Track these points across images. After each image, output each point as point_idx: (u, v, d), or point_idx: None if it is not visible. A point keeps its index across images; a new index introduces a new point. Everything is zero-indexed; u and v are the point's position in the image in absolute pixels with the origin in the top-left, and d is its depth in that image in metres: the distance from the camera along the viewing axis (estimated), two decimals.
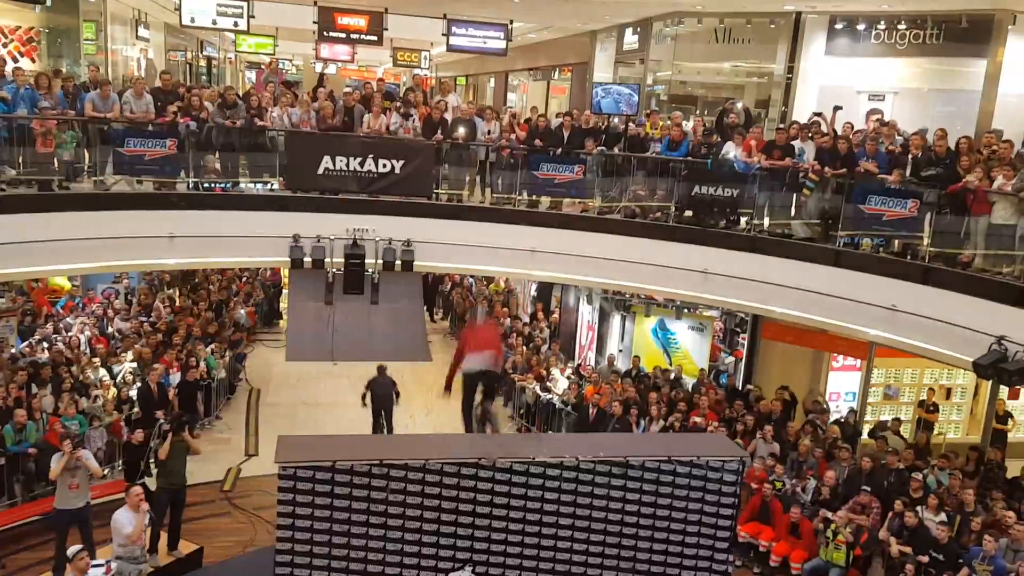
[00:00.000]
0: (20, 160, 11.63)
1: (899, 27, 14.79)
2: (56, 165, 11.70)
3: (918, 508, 9.98)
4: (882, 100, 15.08)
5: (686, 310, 15.84)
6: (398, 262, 12.61)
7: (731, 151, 12.26)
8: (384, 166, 12.78)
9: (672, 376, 14.91)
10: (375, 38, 16.90)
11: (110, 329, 15.69)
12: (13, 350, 13.96)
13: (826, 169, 11.58)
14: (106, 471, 11.18)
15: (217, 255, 12.72)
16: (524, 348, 16.56)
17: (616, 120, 15.58)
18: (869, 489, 10.53)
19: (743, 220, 12.41)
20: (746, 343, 15.20)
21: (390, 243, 12.57)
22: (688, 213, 12.63)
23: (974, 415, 14.40)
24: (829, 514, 10.34)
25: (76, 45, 18.77)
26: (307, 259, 12.40)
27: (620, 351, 16.62)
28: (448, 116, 13.49)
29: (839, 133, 12.27)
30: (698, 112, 18.09)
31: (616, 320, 16.77)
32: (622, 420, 12.72)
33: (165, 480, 9.86)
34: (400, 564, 7.25)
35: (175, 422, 10.05)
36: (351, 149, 12.75)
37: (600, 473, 7.41)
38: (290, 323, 19.64)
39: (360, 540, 7.14)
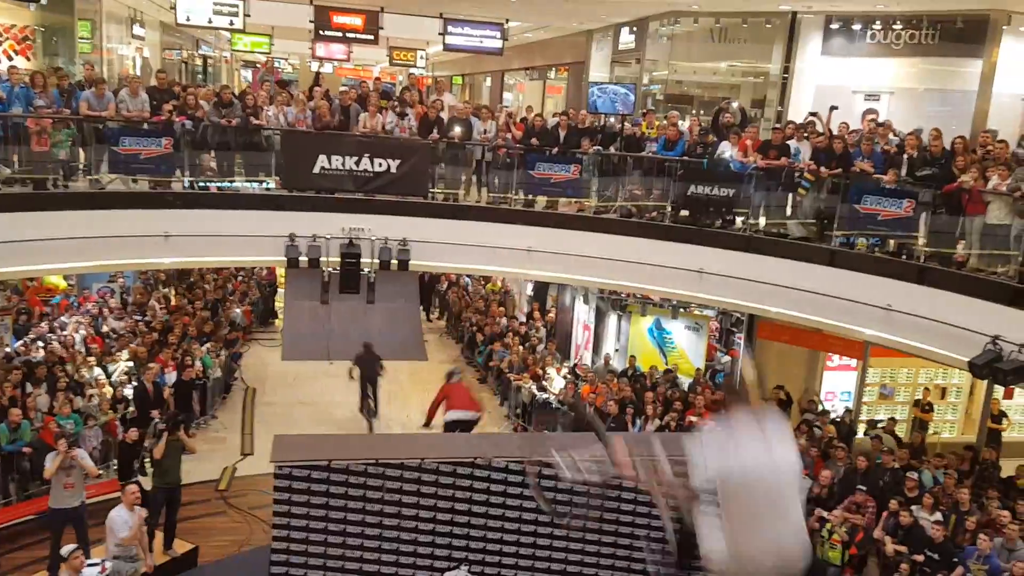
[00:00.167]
0: (15, 159, 11.61)
1: (895, 27, 14.82)
2: (52, 164, 11.68)
3: (913, 507, 10.00)
4: (878, 100, 15.10)
5: (682, 309, 15.85)
6: (394, 261, 12.60)
7: (727, 151, 12.27)
8: (380, 165, 12.76)
9: (670, 377, 14.91)
10: (371, 37, 16.89)
11: (105, 328, 15.66)
12: (8, 349, 13.93)
13: (822, 169, 11.59)
14: (101, 470, 11.17)
15: (213, 254, 12.71)
16: (520, 348, 16.56)
17: (612, 120, 15.58)
18: (864, 488, 10.54)
19: (739, 220, 12.43)
20: (742, 343, 15.22)
21: (386, 242, 12.56)
22: (684, 213, 12.64)
23: (969, 415, 14.42)
24: (824, 513, 10.34)
25: (71, 44, 18.72)
26: (303, 258, 12.39)
27: (616, 351, 16.62)
28: (444, 115, 13.48)
29: (835, 133, 12.28)
30: (694, 112, 18.10)
31: (612, 320, 16.77)
32: (618, 419, 12.73)
33: (160, 479, 9.84)
34: (396, 563, 7.25)
35: (170, 421, 10.04)
36: (347, 148, 12.73)
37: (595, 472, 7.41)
38: (286, 322, 19.63)
39: (355, 539, 7.14)
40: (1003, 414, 13.28)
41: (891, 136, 12.02)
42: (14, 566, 9.86)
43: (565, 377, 15.13)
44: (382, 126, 13.04)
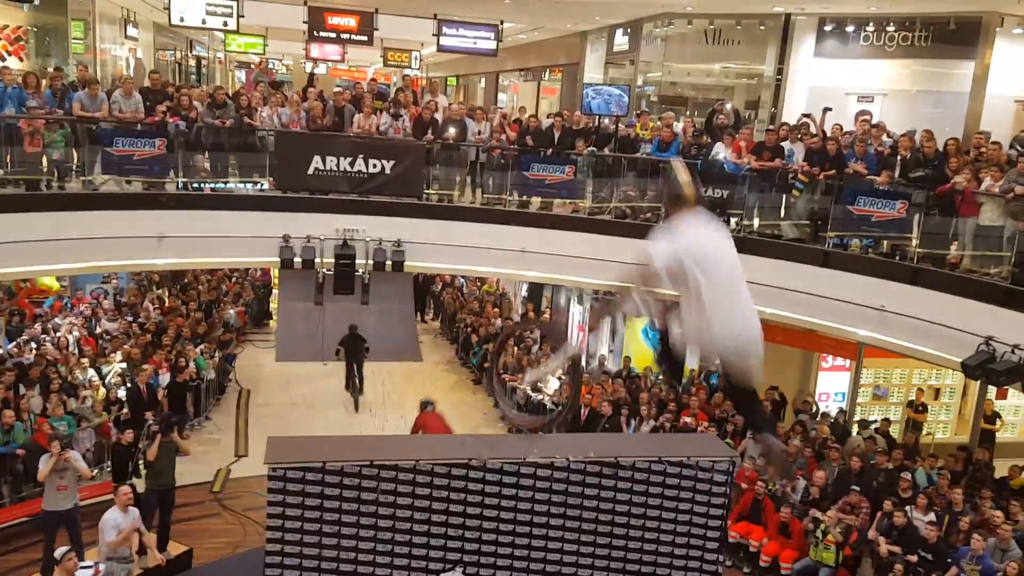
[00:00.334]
0: (8, 160, 11.57)
1: (888, 29, 14.87)
2: (44, 165, 11.64)
3: (907, 508, 10.03)
4: (871, 101, 15.14)
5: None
6: (388, 262, 12.58)
7: (721, 152, 12.29)
8: (374, 166, 12.75)
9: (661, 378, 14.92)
10: (365, 38, 16.88)
11: (98, 329, 15.61)
12: (1, 350, 13.87)
13: (815, 170, 11.62)
14: (95, 472, 11.12)
15: (206, 255, 12.68)
16: (515, 348, 16.56)
17: (607, 121, 15.60)
18: (858, 489, 10.57)
19: (733, 221, 12.43)
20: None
21: (380, 243, 12.54)
22: None
23: (962, 415, 14.48)
24: (819, 514, 10.37)
25: (64, 44, 18.67)
26: (297, 259, 12.37)
27: (611, 351, 16.63)
28: (439, 116, 13.48)
29: (828, 134, 12.31)
30: (688, 113, 18.13)
31: (606, 321, 16.77)
32: (612, 420, 12.74)
33: (154, 481, 9.81)
34: (390, 565, 7.23)
35: (164, 423, 10.01)
36: (341, 149, 12.72)
37: (590, 474, 7.41)
38: (280, 324, 19.60)
39: (350, 541, 7.11)
40: (996, 415, 13.32)
41: (884, 137, 12.06)
42: (8, 568, 9.82)
43: (559, 378, 15.13)
44: (376, 127, 13.03)
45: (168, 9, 15.79)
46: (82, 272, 15.01)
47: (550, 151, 13.11)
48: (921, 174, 10.91)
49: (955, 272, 10.42)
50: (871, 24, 15.07)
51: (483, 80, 31.80)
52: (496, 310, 19.32)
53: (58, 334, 14.69)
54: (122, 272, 17.22)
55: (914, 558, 9.53)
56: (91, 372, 13.37)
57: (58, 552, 8.04)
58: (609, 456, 7.50)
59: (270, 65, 31.15)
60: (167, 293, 19.10)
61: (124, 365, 13.84)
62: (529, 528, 7.39)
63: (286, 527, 7.00)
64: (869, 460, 11.28)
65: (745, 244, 11.98)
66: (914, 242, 11.15)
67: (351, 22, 16.59)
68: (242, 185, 13.11)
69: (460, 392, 17.09)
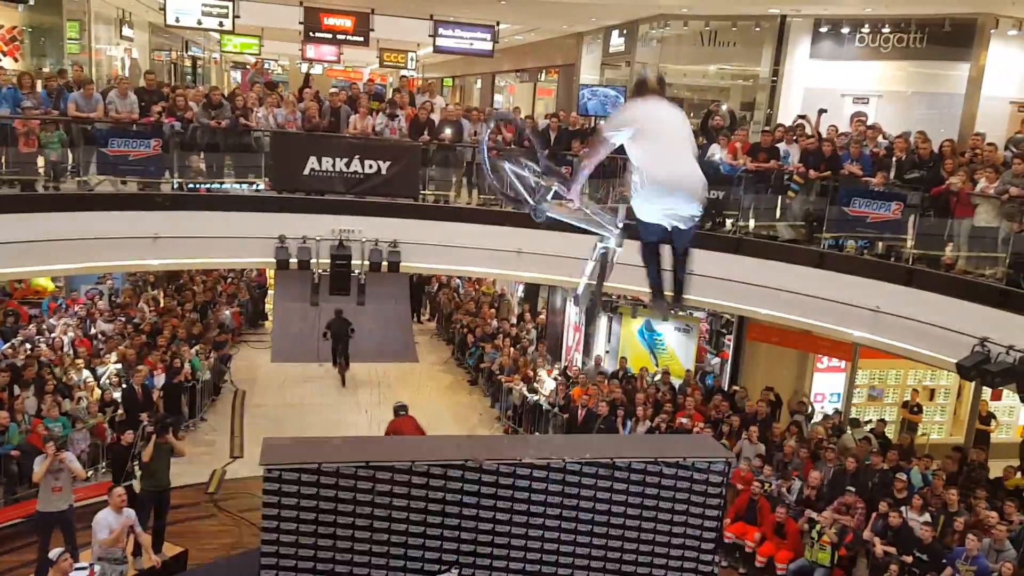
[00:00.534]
0: (3, 160, 11.54)
1: (883, 31, 14.91)
2: (39, 165, 11.61)
3: (902, 508, 10.05)
4: (866, 103, 15.17)
5: (672, 311, 15.86)
6: (384, 263, 12.58)
7: (716, 153, 12.30)
8: (370, 167, 12.75)
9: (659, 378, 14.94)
10: (361, 39, 16.89)
11: (93, 330, 15.57)
12: None
13: (811, 171, 11.64)
14: (89, 473, 11.10)
15: (202, 256, 12.64)
16: (511, 349, 16.56)
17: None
18: (854, 489, 10.59)
19: (728, 222, 12.46)
20: (732, 344, 15.25)
21: (376, 244, 12.54)
22: None
23: (957, 416, 14.50)
24: (814, 514, 10.39)
25: (60, 44, 18.61)
26: (293, 260, 12.36)
27: (607, 352, 16.65)
28: (435, 117, 13.47)
29: (824, 136, 12.34)
30: None
31: (603, 321, 16.79)
32: (607, 421, 12.74)
33: (149, 482, 9.78)
34: (386, 567, 7.23)
35: (159, 424, 9.99)
36: (337, 150, 12.71)
37: (587, 474, 7.41)
38: (275, 324, 19.56)
39: (346, 542, 7.11)
40: (991, 415, 13.36)
41: (880, 139, 12.08)
42: (2, 570, 9.79)
43: (556, 379, 15.13)
44: (372, 128, 13.02)
45: (164, 9, 15.78)
46: (77, 272, 14.98)
47: (546, 152, 13.08)
48: (916, 175, 10.93)
49: (950, 273, 10.45)
50: (866, 26, 15.10)
51: (479, 81, 31.79)
52: (492, 311, 19.32)
53: (53, 335, 14.64)
54: (117, 273, 17.18)
55: (909, 558, 9.54)
56: (86, 373, 13.33)
57: (53, 553, 8.02)
58: (605, 457, 7.52)
59: (266, 66, 31.04)
60: (162, 294, 19.06)
61: (119, 366, 13.80)
62: (525, 529, 7.40)
63: (282, 528, 6.99)
64: (864, 461, 11.30)
65: (741, 245, 12.03)
66: (909, 243, 11.17)
67: (347, 23, 16.60)
68: (238, 186, 13.09)
69: (456, 393, 17.09)
